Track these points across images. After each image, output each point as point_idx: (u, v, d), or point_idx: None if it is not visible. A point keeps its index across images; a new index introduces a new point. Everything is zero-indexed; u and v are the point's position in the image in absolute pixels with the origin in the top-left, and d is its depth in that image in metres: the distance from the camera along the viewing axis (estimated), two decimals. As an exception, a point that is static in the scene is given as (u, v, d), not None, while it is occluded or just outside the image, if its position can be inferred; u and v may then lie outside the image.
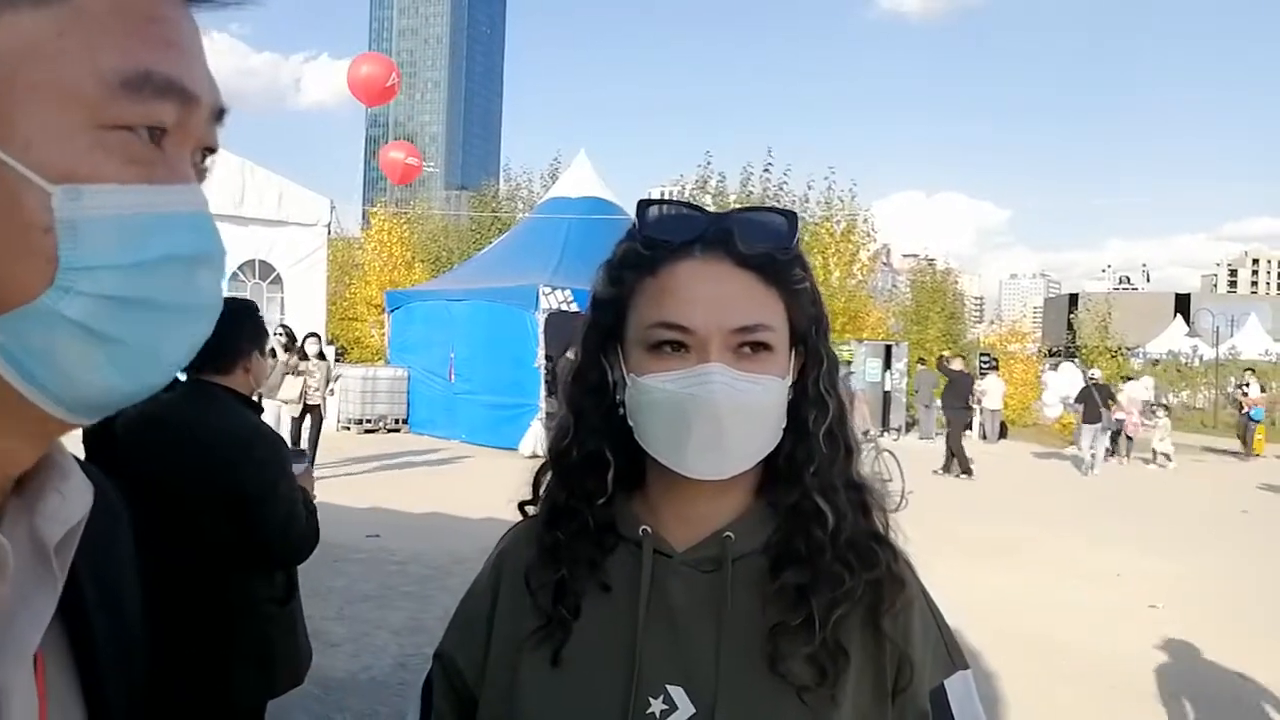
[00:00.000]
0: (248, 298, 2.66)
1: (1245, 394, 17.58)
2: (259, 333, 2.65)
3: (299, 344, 10.94)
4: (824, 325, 0.95)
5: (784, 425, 0.91)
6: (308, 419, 11.16)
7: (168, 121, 0.51)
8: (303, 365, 10.79)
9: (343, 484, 9.71)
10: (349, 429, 15.85)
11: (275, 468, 2.49)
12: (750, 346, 0.88)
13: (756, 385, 0.87)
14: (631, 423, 0.91)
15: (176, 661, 2.42)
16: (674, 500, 0.93)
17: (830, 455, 0.93)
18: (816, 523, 0.90)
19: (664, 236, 0.91)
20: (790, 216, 0.93)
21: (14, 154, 0.46)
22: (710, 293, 0.88)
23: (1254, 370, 20.52)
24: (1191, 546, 8.96)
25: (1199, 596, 7.10)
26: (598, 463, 0.94)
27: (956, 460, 13.90)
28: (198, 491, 2.36)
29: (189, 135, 0.54)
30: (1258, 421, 17.08)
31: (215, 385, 2.48)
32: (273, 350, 10.44)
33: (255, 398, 2.81)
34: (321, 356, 11.17)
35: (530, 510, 1.02)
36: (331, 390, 11.66)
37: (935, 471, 13.67)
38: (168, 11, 0.52)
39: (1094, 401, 15.22)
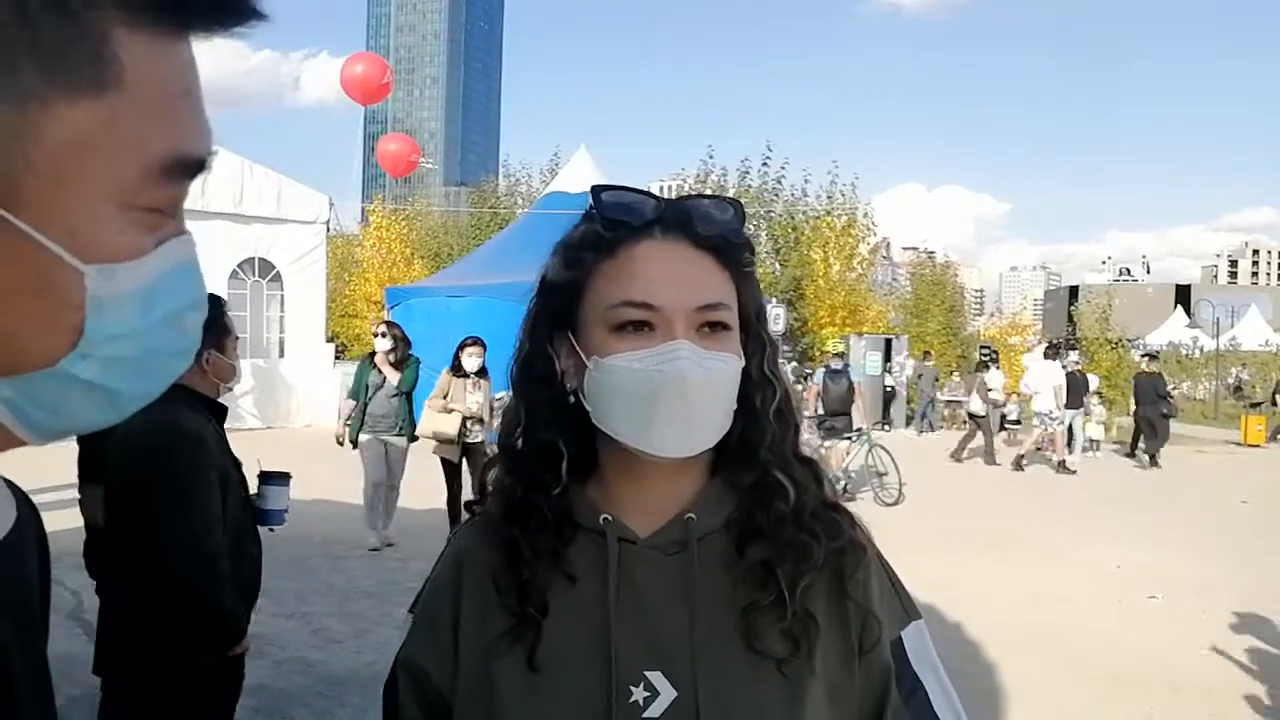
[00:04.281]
0: (214, 292, 2.63)
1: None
2: (217, 327, 2.60)
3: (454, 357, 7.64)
4: (764, 311, 0.98)
5: (734, 407, 0.93)
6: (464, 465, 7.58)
7: (187, 193, 0.54)
8: (455, 386, 7.49)
9: (344, 482, 9.72)
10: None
11: (193, 474, 2.40)
12: (711, 325, 0.90)
13: (720, 362, 0.89)
14: (590, 407, 0.92)
15: (131, 628, 2.42)
16: (632, 485, 0.94)
17: (781, 432, 0.95)
18: (779, 497, 0.93)
19: (624, 218, 0.92)
20: (737, 205, 0.96)
21: (58, 239, 0.48)
22: (673, 271, 0.90)
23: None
24: (1190, 537, 8.97)
25: (1199, 587, 7.11)
26: (550, 454, 0.94)
27: (1153, 457, 14.88)
28: (122, 483, 2.38)
29: (189, 190, 0.56)
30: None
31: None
32: (371, 358, 7.69)
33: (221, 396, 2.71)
34: (483, 374, 7.58)
35: (479, 509, 1.01)
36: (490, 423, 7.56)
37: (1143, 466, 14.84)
38: (193, 77, 0.53)
39: (1075, 389, 15.28)
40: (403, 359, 7.59)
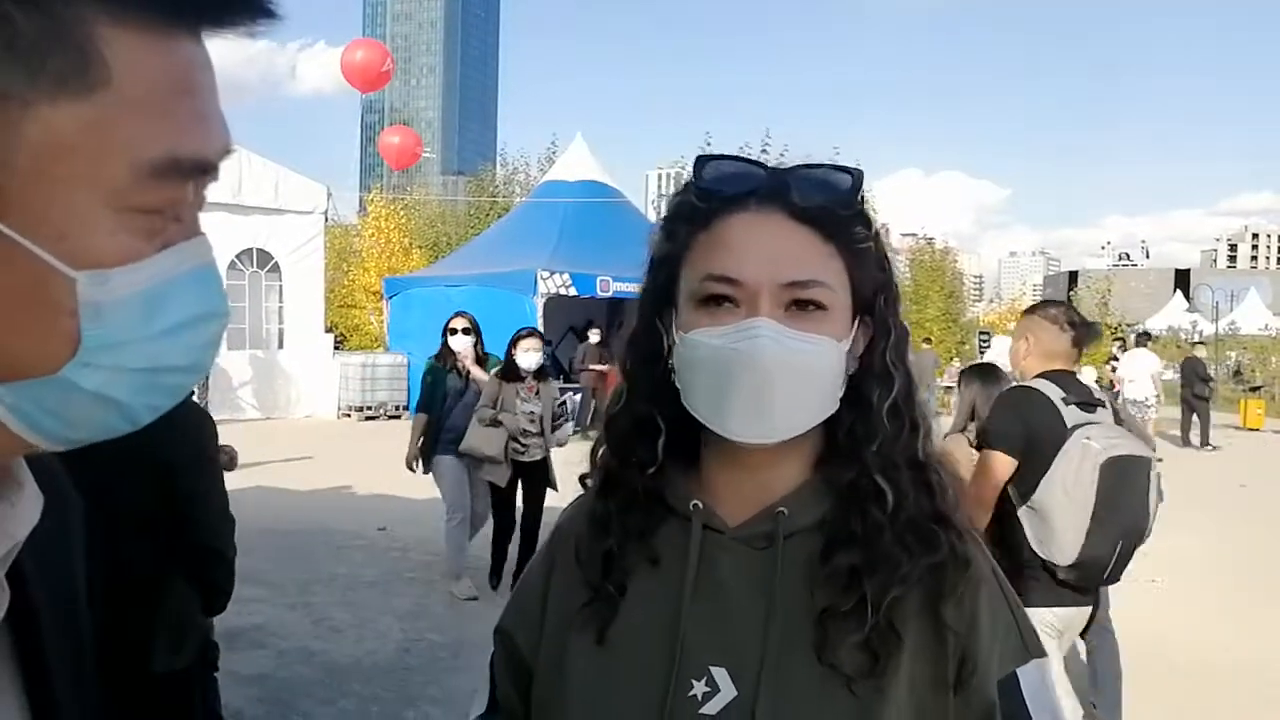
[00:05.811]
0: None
1: (1114, 369, 16.39)
2: None
3: (498, 352, 6.14)
4: (893, 292, 0.90)
5: (840, 395, 0.87)
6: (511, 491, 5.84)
7: (189, 197, 0.52)
8: (502, 391, 5.78)
9: (345, 472, 9.73)
10: (349, 416, 15.87)
11: (200, 440, 2.59)
12: (803, 304, 0.83)
13: (808, 344, 0.82)
14: (679, 385, 0.87)
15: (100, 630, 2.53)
16: (727, 473, 0.90)
17: (894, 432, 0.87)
18: (875, 503, 0.85)
19: (718, 188, 0.87)
20: (855, 174, 0.87)
21: (44, 245, 0.47)
22: (762, 245, 0.84)
23: (1123, 342, 19.61)
24: (1190, 521, 8.95)
25: (1199, 570, 7.13)
26: (648, 429, 0.91)
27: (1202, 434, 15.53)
28: (122, 465, 2.41)
29: (200, 191, 0.54)
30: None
31: None
32: (448, 363, 6.16)
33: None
34: (543, 375, 6.02)
35: (589, 483, 0.99)
36: (558, 438, 5.97)
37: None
38: (199, 78, 0.51)
39: None
40: (482, 359, 6.18)
